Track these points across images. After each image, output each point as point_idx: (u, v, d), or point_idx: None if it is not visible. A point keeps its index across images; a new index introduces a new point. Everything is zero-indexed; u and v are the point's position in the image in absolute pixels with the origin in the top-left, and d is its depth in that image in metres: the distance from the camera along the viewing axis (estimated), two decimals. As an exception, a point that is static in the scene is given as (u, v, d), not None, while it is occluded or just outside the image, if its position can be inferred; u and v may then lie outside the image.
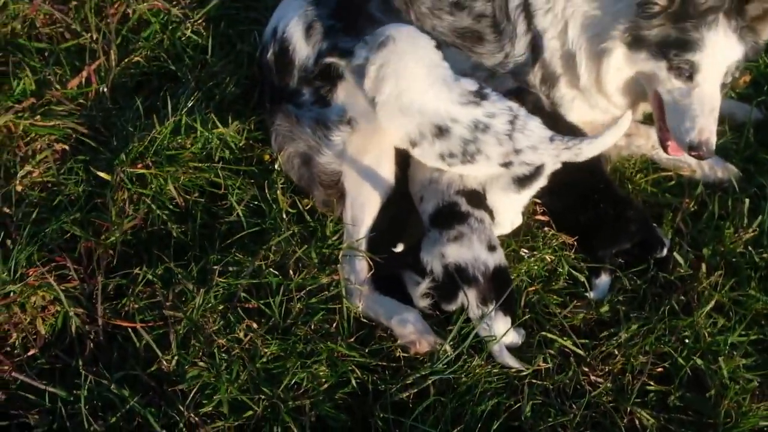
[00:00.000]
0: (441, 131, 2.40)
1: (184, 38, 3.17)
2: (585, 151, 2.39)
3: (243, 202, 2.60)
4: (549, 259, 2.64)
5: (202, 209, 2.61)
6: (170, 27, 3.21)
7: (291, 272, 2.42)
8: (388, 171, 2.53)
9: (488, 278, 2.37)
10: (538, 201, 2.73)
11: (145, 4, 3.17)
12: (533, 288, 2.57)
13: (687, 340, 2.45)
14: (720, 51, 2.39)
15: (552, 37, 2.68)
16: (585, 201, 2.65)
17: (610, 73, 2.60)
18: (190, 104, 2.83)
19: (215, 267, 2.36)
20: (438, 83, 2.41)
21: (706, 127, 2.43)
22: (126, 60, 3.09)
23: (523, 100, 2.59)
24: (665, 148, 2.64)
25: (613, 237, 2.61)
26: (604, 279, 2.60)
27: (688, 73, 2.41)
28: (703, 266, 2.63)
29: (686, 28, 2.35)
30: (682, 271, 2.61)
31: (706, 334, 2.46)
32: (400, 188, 2.62)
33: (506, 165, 2.43)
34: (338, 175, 2.55)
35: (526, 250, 2.66)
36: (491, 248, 2.43)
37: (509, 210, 2.57)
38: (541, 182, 2.51)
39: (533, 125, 2.41)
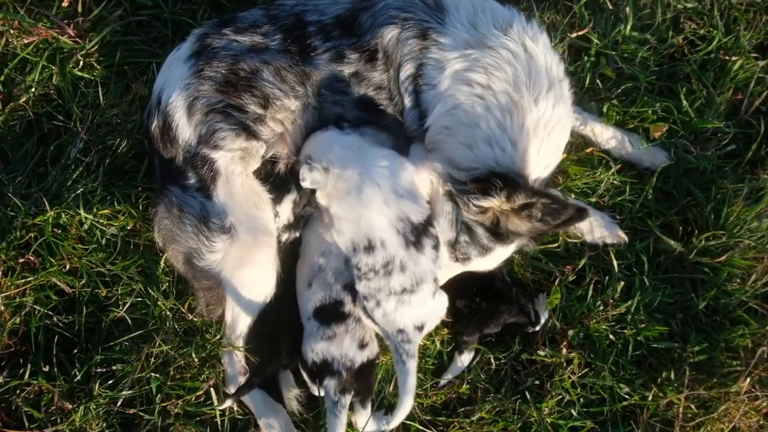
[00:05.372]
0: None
1: (77, 69, 3.00)
2: (403, 367, 2.52)
3: (126, 305, 2.69)
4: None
5: (88, 299, 2.70)
6: (59, 57, 3.01)
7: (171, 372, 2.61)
8: (265, 284, 2.61)
9: (352, 372, 2.57)
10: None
11: (25, 37, 2.95)
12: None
13: (532, 428, 2.80)
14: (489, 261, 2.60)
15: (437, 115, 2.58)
16: (465, 288, 2.75)
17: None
18: (75, 175, 2.82)
19: (98, 370, 2.55)
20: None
21: None
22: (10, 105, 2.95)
23: None
24: None
25: (479, 327, 2.80)
26: (465, 358, 2.85)
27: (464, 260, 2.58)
28: (564, 350, 2.89)
29: (490, 238, 2.48)
30: (543, 354, 2.87)
31: (548, 423, 2.78)
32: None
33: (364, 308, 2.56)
34: (219, 279, 2.58)
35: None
36: (362, 346, 2.60)
37: None
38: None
39: (414, 305, 2.50)
